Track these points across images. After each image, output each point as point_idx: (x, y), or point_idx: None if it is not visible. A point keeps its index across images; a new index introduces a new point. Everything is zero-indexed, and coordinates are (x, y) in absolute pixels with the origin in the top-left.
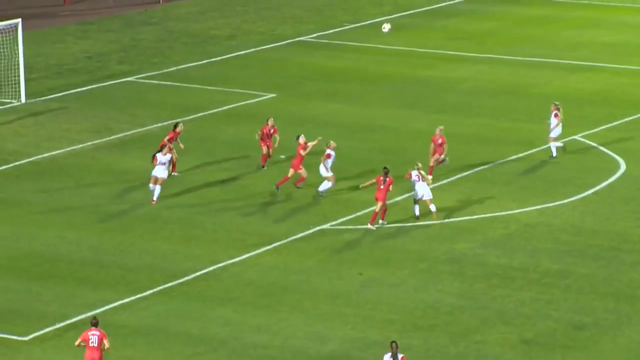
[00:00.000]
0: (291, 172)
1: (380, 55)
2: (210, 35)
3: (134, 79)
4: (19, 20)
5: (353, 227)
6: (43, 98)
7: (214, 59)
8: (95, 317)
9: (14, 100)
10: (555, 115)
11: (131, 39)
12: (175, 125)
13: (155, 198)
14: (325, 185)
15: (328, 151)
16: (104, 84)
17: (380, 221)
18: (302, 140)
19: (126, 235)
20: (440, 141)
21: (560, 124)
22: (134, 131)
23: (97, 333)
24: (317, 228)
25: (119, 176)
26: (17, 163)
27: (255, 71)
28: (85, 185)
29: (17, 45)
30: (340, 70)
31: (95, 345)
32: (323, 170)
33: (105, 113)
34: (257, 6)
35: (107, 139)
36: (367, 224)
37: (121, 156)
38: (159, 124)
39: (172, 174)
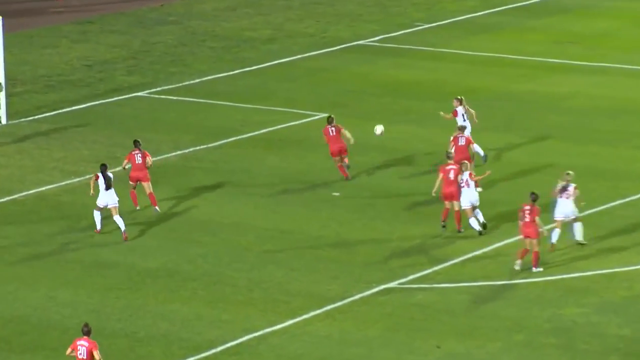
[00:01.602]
0: (456, 205)
1: (463, 64)
2: (244, 37)
3: (145, 94)
4: None
5: (428, 286)
6: (30, 118)
7: (248, 69)
8: (87, 324)
9: None
10: (454, 113)
11: (143, 43)
12: (136, 144)
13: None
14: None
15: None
16: (108, 100)
17: (535, 268)
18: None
19: (136, 295)
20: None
21: (468, 122)
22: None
23: (86, 344)
24: (382, 287)
25: (127, 218)
26: None
27: (302, 84)
28: (83, 230)
29: None
30: (411, 83)
31: (84, 357)
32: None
33: (110, 138)
34: (304, 0)
35: (112, 170)
36: (442, 283)
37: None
38: (179, 152)
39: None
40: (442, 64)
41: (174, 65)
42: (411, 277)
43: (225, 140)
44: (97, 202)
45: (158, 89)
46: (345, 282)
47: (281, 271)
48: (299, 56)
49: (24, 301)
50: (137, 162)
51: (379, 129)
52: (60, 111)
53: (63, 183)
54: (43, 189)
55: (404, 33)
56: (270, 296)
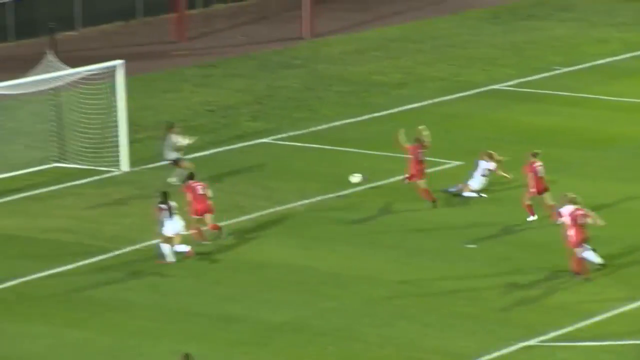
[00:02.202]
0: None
1: (605, 110)
2: (373, 82)
3: (270, 140)
4: (120, 62)
5: (571, 344)
6: (151, 165)
7: (377, 114)
8: (187, 354)
9: (113, 169)
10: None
11: (268, 87)
12: (191, 176)
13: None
14: None
15: None
16: (232, 146)
17: None
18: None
19: (263, 351)
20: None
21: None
22: (271, 210)
23: None
24: (521, 344)
25: (254, 270)
26: (117, 252)
27: (434, 130)
28: (210, 283)
29: (116, 95)
30: (549, 130)
31: None
32: None
33: (233, 186)
34: (435, 43)
35: (237, 220)
36: (586, 341)
37: (257, 244)
38: (306, 201)
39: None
40: (582, 110)
41: (300, 110)
42: (552, 334)
43: (354, 189)
44: (163, 233)
45: (283, 135)
46: (482, 339)
47: (414, 327)
48: (430, 101)
49: (148, 356)
50: (199, 193)
51: (356, 177)
52: (182, 158)
53: (187, 233)
54: None
55: (541, 77)
56: (403, 353)
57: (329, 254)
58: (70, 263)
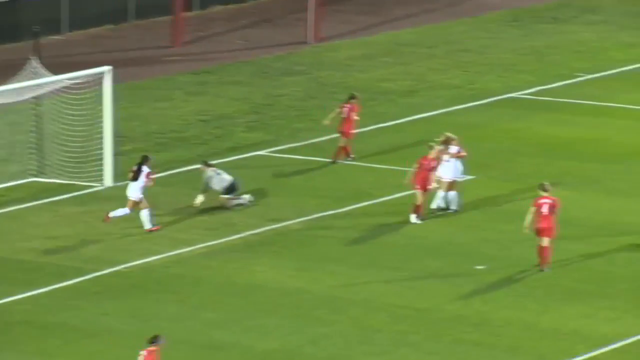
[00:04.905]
0: None
1: (631, 121)
2: (381, 89)
3: (267, 153)
4: (108, 67)
5: None
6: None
7: (384, 125)
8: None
9: (96, 184)
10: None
11: (266, 95)
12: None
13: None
14: None
15: None
16: (226, 159)
17: None
18: None
19: None
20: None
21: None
22: (265, 228)
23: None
24: None
25: (243, 293)
26: (97, 274)
27: None
28: (195, 307)
29: (103, 104)
30: (570, 142)
31: None
32: None
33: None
34: (449, 48)
35: (228, 239)
36: None
37: (248, 265)
38: (304, 218)
39: None
40: (607, 120)
41: (300, 120)
42: None
43: (355, 206)
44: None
45: (282, 147)
46: None
47: (416, 355)
48: (441, 111)
49: None
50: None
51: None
52: (172, 172)
53: (172, 253)
54: (149, 259)
55: (563, 85)
56: None
57: (325, 276)
58: (45, 286)
